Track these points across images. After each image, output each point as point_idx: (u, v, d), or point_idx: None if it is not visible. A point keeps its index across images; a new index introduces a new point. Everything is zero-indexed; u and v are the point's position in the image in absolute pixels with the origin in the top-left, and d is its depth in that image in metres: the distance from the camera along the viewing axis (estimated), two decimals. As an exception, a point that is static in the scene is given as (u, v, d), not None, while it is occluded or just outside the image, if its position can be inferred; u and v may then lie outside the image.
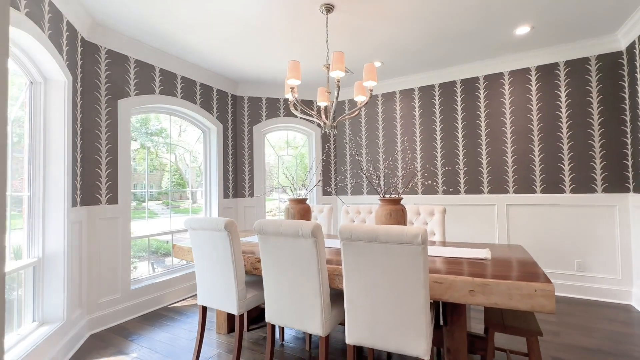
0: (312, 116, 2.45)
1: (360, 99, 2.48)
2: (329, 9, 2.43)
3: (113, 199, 2.81)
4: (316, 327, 1.63)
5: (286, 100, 4.45)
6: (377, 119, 4.36)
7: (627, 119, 3.02)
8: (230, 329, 2.60)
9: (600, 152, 3.13)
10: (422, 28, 2.82)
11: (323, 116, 2.46)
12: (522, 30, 2.87)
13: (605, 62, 3.11)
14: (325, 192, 4.60)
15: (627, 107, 3.02)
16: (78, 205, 2.48)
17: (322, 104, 2.62)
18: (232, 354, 2.18)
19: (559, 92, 3.30)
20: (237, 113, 4.25)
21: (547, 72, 3.35)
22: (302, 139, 4.73)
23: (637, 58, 2.78)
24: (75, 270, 2.42)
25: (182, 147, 3.87)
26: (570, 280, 3.21)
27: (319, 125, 4.53)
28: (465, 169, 3.75)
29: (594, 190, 3.14)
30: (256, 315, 2.84)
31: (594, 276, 3.12)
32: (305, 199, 2.51)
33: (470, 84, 3.74)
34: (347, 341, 1.54)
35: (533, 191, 3.40)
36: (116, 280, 2.81)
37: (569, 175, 3.25)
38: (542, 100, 3.38)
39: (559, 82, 3.30)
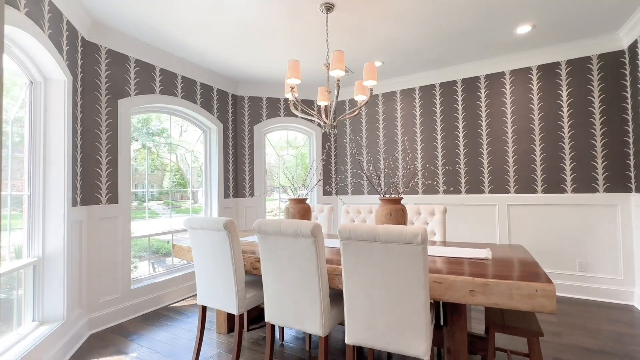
0: (313, 116, 2.45)
1: (361, 98, 2.47)
2: (329, 8, 2.43)
3: (113, 199, 2.81)
4: (316, 327, 1.63)
5: (287, 100, 4.45)
6: (377, 118, 4.35)
7: (629, 118, 3.00)
8: (230, 329, 2.59)
9: (602, 152, 3.11)
10: (422, 27, 2.81)
11: (323, 115, 2.45)
12: (523, 29, 2.86)
13: (607, 61, 3.09)
14: (326, 192, 4.60)
15: (629, 106, 3.00)
16: (78, 204, 2.48)
17: (322, 103, 2.61)
18: (232, 353, 2.18)
19: (560, 92, 3.29)
20: (237, 113, 4.25)
21: (549, 71, 3.33)
22: (302, 139, 4.72)
23: (639, 57, 2.76)
24: (75, 270, 2.42)
25: (183, 147, 3.87)
26: (571, 280, 3.20)
27: (319, 125, 4.52)
28: (466, 168, 3.73)
29: (595, 190, 3.13)
30: (256, 315, 2.84)
31: (596, 276, 3.10)
32: (305, 199, 2.51)
33: (471, 84, 3.73)
34: (346, 341, 1.53)
35: (534, 191, 3.38)
36: (116, 279, 2.82)
37: (571, 175, 3.23)
38: (543, 100, 3.36)
39: (560, 82, 3.29)
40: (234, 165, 4.17)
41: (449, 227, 3.80)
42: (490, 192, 3.59)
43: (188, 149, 3.88)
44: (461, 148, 3.77)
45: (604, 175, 3.10)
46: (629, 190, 3.00)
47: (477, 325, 2.58)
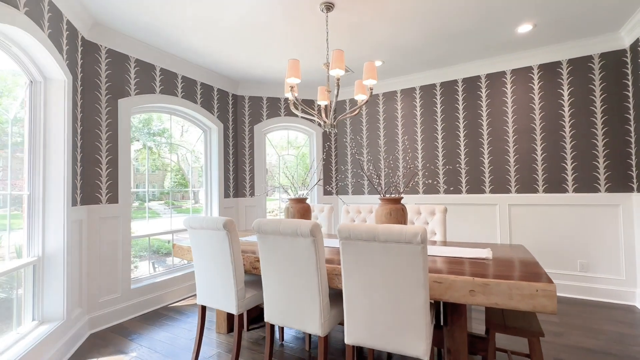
0: (313, 115, 2.44)
1: (361, 97, 2.47)
2: (329, 7, 2.42)
3: (113, 198, 2.81)
4: (315, 327, 1.62)
5: (287, 100, 4.44)
6: (378, 118, 4.34)
7: (631, 117, 2.99)
8: (230, 329, 2.59)
9: (603, 151, 3.09)
10: (422, 26, 2.80)
11: (323, 115, 2.45)
12: (524, 28, 2.85)
13: (609, 60, 3.07)
14: (326, 192, 4.59)
15: (630, 106, 2.99)
16: (78, 204, 2.48)
17: (322, 103, 2.61)
18: (232, 353, 2.17)
19: (561, 91, 3.27)
20: (237, 112, 4.25)
21: (550, 70, 3.32)
22: (303, 139, 4.72)
23: (641, 56, 2.75)
24: (75, 269, 2.42)
25: (184, 147, 3.88)
26: (573, 280, 3.18)
27: (319, 124, 4.52)
28: (466, 168, 3.72)
29: (597, 190, 3.11)
30: (256, 315, 2.83)
31: (597, 277, 3.09)
32: (305, 199, 2.50)
33: (471, 83, 3.72)
34: (346, 341, 1.52)
35: (535, 191, 3.37)
36: (116, 279, 2.82)
37: (572, 174, 3.22)
38: (544, 99, 3.35)
39: (561, 81, 3.27)
40: (234, 165, 4.17)
41: (450, 227, 3.79)
42: (491, 191, 3.58)
43: (189, 149, 3.89)
44: (462, 148, 3.76)
45: (606, 175, 3.08)
46: (630, 190, 2.98)
47: (478, 326, 2.57)
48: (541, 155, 3.35)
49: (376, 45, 3.16)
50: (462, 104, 3.77)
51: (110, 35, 2.77)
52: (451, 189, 3.80)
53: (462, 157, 3.75)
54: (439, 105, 3.91)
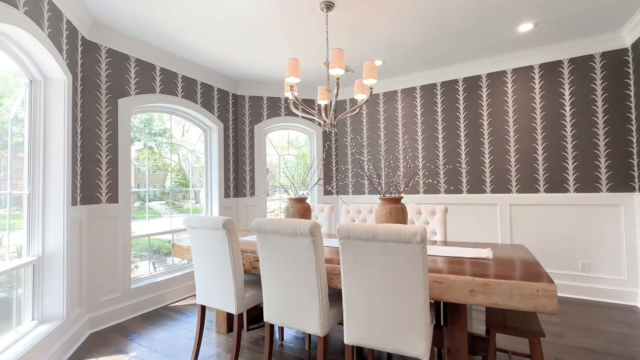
0: (313, 115, 2.44)
1: (361, 97, 2.46)
2: (329, 6, 2.41)
3: (113, 198, 2.81)
4: (314, 326, 1.62)
5: (287, 100, 4.44)
6: (378, 117, 4.33)
7: (633, 116, 2.97)
8: (230, 329, 2.59)
9: (605, 151, 3.08)
10: (423, 26, 2.79)
11: (323, 114, 2.44)
12: (525, 27, 2.84)
13: (610, 59, 3.06)
14: (327, 192, 4.59)
15: (632, 105, 2.97)
16: (78, 204, 2.48)
17: (322, 102, 2.60)
18: (231, 353, 2.17)
19: (562, 90, 3.26)
20: (238, 112, 4.25)
21: (551, 69, 3.31)
22: (304, 139, 4.71)
23: (643, 55, 2.74)
24: (75, 269, 2.42)
25: (185, 148, 3.88)
26: (574, 281, 3.17)
27: (319, 124, 4.51)
28: (467, 168, 3.71)
29: (598, 190, 3.10)
30: (256, 315, 2.83)
31: (599, 277, 3.07)
32: (305, 198, 2.49)
33: (472, 83, 3.70)
34: (345, 341, 1.52)
35: (536, 191, 3.35)
36: (116, 279, 2.82)
37: (573, 174, 3.20)
38: (545, 99, 3.34)
39: (562, 80, 3.26)
40: (234, 164, 4.16)
41: (450, 227, 3.78)
42: (492, 191, 3.57)
43: (190, 149, 3.89)
44: (462, 147, 3.74)
45: (607, 174, 3.07)
46: (632, 189, 2.97)
47: (478, 326, 2.56)
48: (542, 154, 3.34)
49: (376, 44, 3.15)
50: (463, 103, 3.75)
51: (111, 34, 2.77)
52: (451, 188, 3.79)
53: (463, 156, 3.74)
54: (439, 105, 3.90)
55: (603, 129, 3.09)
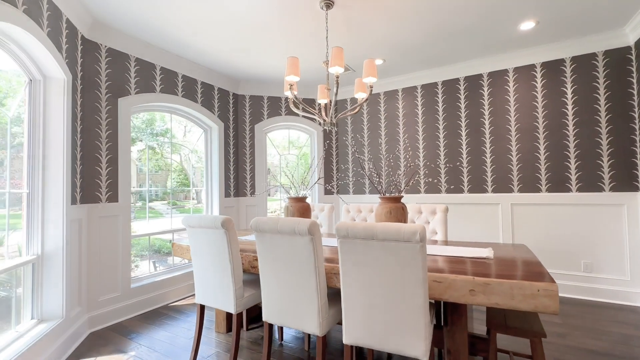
0: (313, 114, 2.43)
1: (361, 95, 2.45)
2: (328, 5, 2.40)
3: (113, 197, 2.81)
4: (313, 326, 1.60)
5: (288, 99, 4.43)
6: (379, 117, 4.32)
7: (636, 115, 2.94)
8: (230, 328, 2.58)
9: (607, 150, 3.05)
10: (423, 24, 2.77)
11: (323, 113, 2.43)
12: (527, 25, 2.81)
13: (613, 57, 3.03)
14: (327, 192, 4.57)
15: (635, 104, 2.95)
16: (78, 203, 2.48)
17: (322, 101, 2.59)
18: (230, 353, 2.16)
19: (565, 89, 3.23)
20: (238, 112, 4.24)
21: (553, 68, 3.28)
22: (305, 139, 4.70)
23: (646, 53, 2.71)
24: (74, 268, 2.42)
25: (187, 148, 3.88)
26: (576, 281, 3.14)
27: (320, 123, 4.50)
28: (468, 167, 3.69)
29: (601, 189, 3.07)
30: (256, 315, 2.82)
31: (602, 277, 3.04)
32: (305, 197, 2.48)
33: (473, 81, 3.68)
34: (344, 341, 1.51)
35: (538, 190, 3.33)
36: (116, 278, 2.81)
37: (576, 173, 3.17)
38: (547, 97, 3.31)
39: (564, 79, 3.23)
40: (234, 164, 4.16)
41: (452, 226, 3.76)
42: (494, 191, 3.54)
43: (191, 149, 3.89)
44: (464, 147, 3.72)
45: (610, 174, 3.04)
46: (635, 189, 2.94)
47: (479, 326, 2.54)
48: (544, 154, 3.32)
49: (377, 43, 3.13)
50: (464, 102, 3.73)
51: (111, 34, 2.77)
52: (452, 187, 3.77)
53: (464, 156, 3.72)
54: (440, 104, 3.88)
55: (606, 128, 3.06)
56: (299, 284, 1.62)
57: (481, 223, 3.59)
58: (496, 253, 1.83)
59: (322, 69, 3.81)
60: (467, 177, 3.69)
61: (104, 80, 2.78)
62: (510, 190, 3.46)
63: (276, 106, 4.38)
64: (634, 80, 2.94)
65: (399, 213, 2.02)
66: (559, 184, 3.24)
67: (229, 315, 2.57)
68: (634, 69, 2.95)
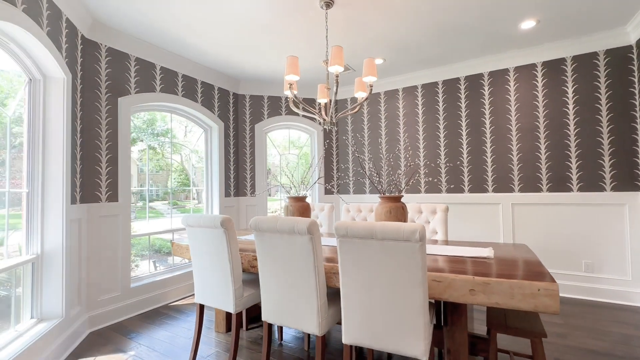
0: (313, 113, 2.42)
1: (361, 95, 2.44)
2: (328, 4, 2.40)
3: (113, 197, 2.81)
4: (312, 326, 1.60)
5: (288, 99, 4.43)
6: (379, 116, 4.31)
7: (637, 115, 2.93)
8: (229, 328, 2.57)
9: (609, 150, 3.04)
10: (424, 23, 2.76)
11: (323, 113, 2.42)
12: (528, 24, 2.80)
13: (614, 56, 3.02)
14: (327, 191, 4.57)
15: (637, 103, 2.93)
16: (77, 202, 2.48)
17: (322, 100, 2.58)
18: (229, 352, 2.16)
19: (566, 88, 3.22)
20: (238, 111, 4.24)
21: (554, 67, 3.27)
22: (305, 138, 4.70)
23: (648, 52, 2.69)
24: (74, 268, 2.42)
25: (187, 148, 3.88)
26: (577, 281, 3.13)
27: (320, 122, 4.50)
28: (469, 167, 3.68)
29: (602, 189, 3.06)
30: (256, 314, 2.82)
31: (603, 277, 3.03)
32: (305, 197, 2.48)
33: (474, 81, 3.67)
34: (343, 341, 1.50)
35: (539, 190, 3.32)
36: (116, 277, 2.81)
37: (577, 173, 3.16)
38: (548, 97, 3.30)
39: (566, 78, 3.22)
40: (235, 163, 4.16)
41: (452, 226, 3.75)
42: (494, 191, 3.53)
43: (192, 150, 3.89)
44: (464, 146, 3.71)
45: (611, 173, 3.02)
46: (636, 188, 2.92)
47: (479, 326, 2.53)
48: (545, 153, 3.30)
49: (377, 42, 3.13)
50: (465, 102, 3.72)
51: (110, 33, 2.77)
52: (452, 186, 3.76)
53: (465, 155, 3.71)
54: (441, 104, 3.87)
55: (607, 127, 3.05)
56: (298, 283, 1.62)
57: (482, 223, 3.58)
58: (496, 253, 1.82)
59: (322, 69, 3.81)
60: (468, 176, 3.68)
61: (104, 79, 2.78)
62: (511, 190, 3.45)
63: (276, 106, 4.37)
64: (636, 80, 2.93)
65: (399, 212, 2.02)
66: (560, 184, 3.23)
67: (228, 315, 2.57)
68: (635, 68, 2.93)
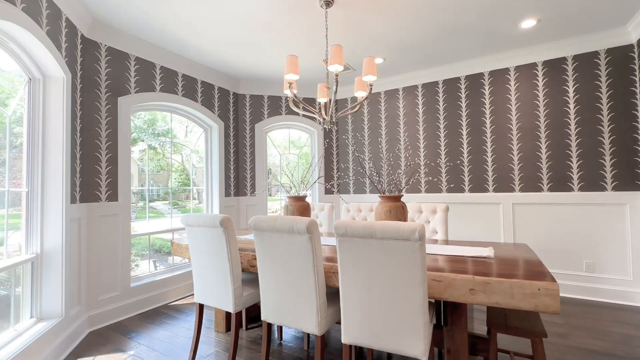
0: (313, 112, 2.42)
1: (361, 94, 2.44)
2: (328, 3, 2.39)
3: (113, 196, 2.81)
4: (312, 325, 1.59)
5: (288, 98, 4.42)
6: (379, 116, 4.30)
7: (638, 114, 2.92)
8: (229, 327, 2.57)
9: (609, 149, 3.03)
10: (424, 23, 2.76)
11: (323, 112, 2.42)
12: (528, 23, 2.79)
13: (615, 56, 3.01)
14: (328, 191, 4.56)
15: (638, 102, 2.92)
16: (77, 202, 2.47)
17: (322, 100, 2.58)
18: (229, 352, 2.15)
19: (566, 88, 3.21)
20: (238, 111, 4.24)
21: (555, 67, 3.26)
22: (305, 138, 4.69)
23: (649, 51, 2.68)
24: (74, 267, 2.42)
25: (188, 148, 3.88)
26: (578, 281, 3.12)
27: (320, 122, 4.49)
28: (469, 166, 3.67)
29: (603, 189, 3.05)
30: (256, 314, 2.81)
31: (604, 277, 3.02)
32: (305, 196, 2.47)
33: (474, 80, 3.66)
34: (342, 340, 1.49)
35: (540, 189, 3.31)
36: (116, 277, 2.81)
37: (578, 172, 3.15)
38: (549, 96, 3.29)
39: (566, 77, 3.21)
40: (235, 163, 4.15)
41: (453, 226, 3.74)
42: (495, 190, 3.52)
43: (193, 149, 3.88)
44: (465, 146, 3.70)
45: (612, 173, 3.01)
46: (638, 188, 2.91)
47: (479, 326, 2.53)
48: (546, 153, 3.30)
49: (377, 42, 3.12)
50: (465, 101, 3.71)
51: (110, 33, 2.77)
52: (452, 186, 3.75)
53: (465, 155, 3.70)
54: (441, 103, 3.87)
55: (608, 127, 3.04)
56: (297, 282, 1.61)
57: (482, 222, 3.57)
58: (497, 252, 1.82)
59: (322, 68, 3.80)
60: (468, 176, 3.67)
61: (104, 79, 2.78)
62: (512, 190, 3.44)
63: (276, 105, 4.37)
64: (637, 79, 2.92)
65: (399, 212, 2.01)
66: (560, 183, 3.22)
67: (228, 315, 2.57)
68: (636, 67, 2.92)
